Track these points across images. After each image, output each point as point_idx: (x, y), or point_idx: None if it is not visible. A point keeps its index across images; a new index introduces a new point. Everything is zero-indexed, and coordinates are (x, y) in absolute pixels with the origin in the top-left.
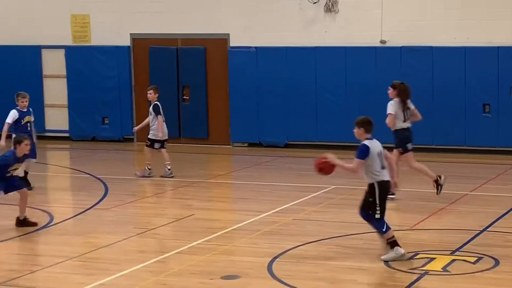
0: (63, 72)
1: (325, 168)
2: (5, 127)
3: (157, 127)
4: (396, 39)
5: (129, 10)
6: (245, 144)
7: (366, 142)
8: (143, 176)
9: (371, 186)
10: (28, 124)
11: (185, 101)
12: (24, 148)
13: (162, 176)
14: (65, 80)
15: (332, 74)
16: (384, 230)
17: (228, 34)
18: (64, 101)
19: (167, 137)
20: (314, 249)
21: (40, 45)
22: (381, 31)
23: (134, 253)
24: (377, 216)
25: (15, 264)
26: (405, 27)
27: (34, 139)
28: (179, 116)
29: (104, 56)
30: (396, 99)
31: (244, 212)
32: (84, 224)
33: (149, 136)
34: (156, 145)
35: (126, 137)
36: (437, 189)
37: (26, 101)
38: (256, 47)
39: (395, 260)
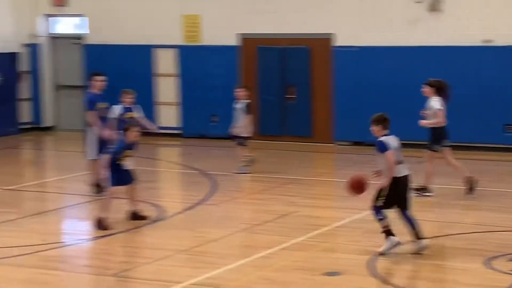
0: (175, 71)
1: (358, 189)
2: (110, 123)
3: (246, 124)
4: (502, 39)
5: (238, 10)
6: (348, 143)
7: (382, 138)
8: (243, 173)
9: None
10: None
11: (290, 100)
12: (131, 134)
13: (237, 172)
14: (176, 78)
15: (436, 74)
16: (379, 218)
17: (333, 34)
18: (176, 99)
19: (251, 135)
20: None
21: (152, 44)
22: (486, 30)
23: (240, 248)
24: (379, 204)
25: (127, 256)
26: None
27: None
28: (284, 115)
29: (214, 55)
30: (437, 97)
31: (346, 210)
32: (193, 219)
33: (238, 134)
34: (245, 142)
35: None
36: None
37: (130, 98)
38: (359, 47)
39: (391, 251)
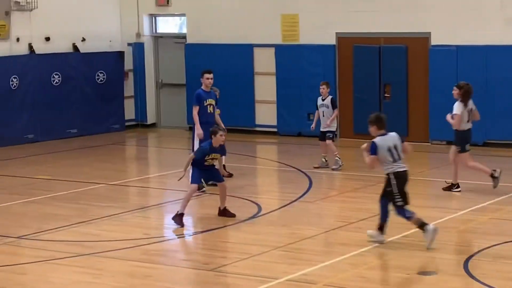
0: (273, 69)
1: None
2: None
3: (333, 119)
4: None
5: (336, 10)
6: (444, 142)
7: (376, 139)
8: (318, 167)
9: (387, 177)
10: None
11: (386, 99)
12: (218, 139)
13: (333, 169)
14: (274, 77)
15: None
16: (407, 216)
17: (430, 33)
18: (273, 97)
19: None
20: (511, 249)
21: (252, 43)
22: None
23: (335, 245)
24: (399, 203)
25: (225, 252)
26: None
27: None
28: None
29: (311, 54)
30: (461, 101)
31: (442, 209)
32: (289, 216)
33: (331, 130)
34: (334, 137)
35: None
36: (494, 182)
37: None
38: (456, 46)
39: (434, 238)
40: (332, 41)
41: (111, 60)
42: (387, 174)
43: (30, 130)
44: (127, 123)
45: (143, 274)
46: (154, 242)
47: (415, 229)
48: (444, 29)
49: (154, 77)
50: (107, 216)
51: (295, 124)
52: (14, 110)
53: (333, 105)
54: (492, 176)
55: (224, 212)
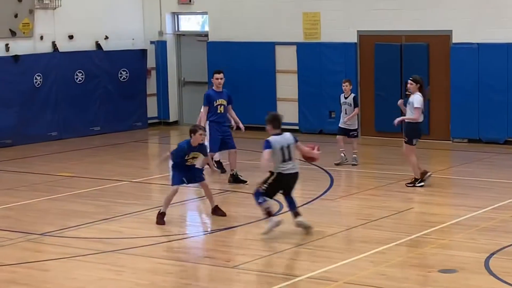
0: (294, 67)
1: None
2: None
3: (353, 116)
4: None
5: (357, 8)
6: (465, 140)
7: (270, 138)
8: (339, 164)
9: (273, 172)
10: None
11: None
12: (197, 138)
13: (353, 164)
14: (296, 75)
15: None
16: (259, 201)
17: (451, 31)
18: (295, 95)
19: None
20: None
21: (274, 41)
22: None
23: (357, 243)
24: (261, 190)
25: (246, 249)
26: None
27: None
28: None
29: (332, 52)
30: (419, 94)
31: (462, 207)
32: (310, 213)
33: (354, 128)
34: (355, 134)
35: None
36: (414, 183)
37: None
38: (478, 43)
39: (272, 230)
40: (353, 39)
41: (134, 58)
42: (275, 172)
43: (54, 128)
44: (149, 121)
45: (165, 271)
46: (176, 240)
47: (436, 228)
48: (465, 26)
49: (176, 75)
50: (129, 214)
51: (316, 121)
52: (38, 108)
53: (355, 103)
54: (415, 180)
55: (215, 211)
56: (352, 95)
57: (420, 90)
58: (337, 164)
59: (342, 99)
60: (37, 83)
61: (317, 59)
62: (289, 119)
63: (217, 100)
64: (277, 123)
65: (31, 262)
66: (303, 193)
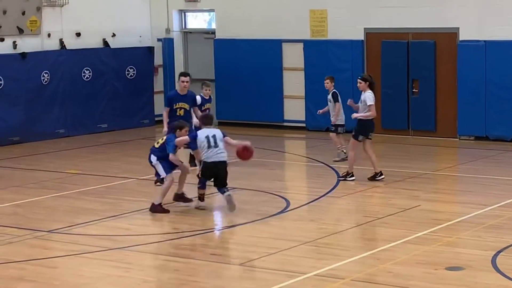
0: (301, 65)
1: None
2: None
3: (336, 113)
4: None
5: (364, 5)
6: (472, 138)
7: (199, 131)
8: (341, 160)
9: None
10: (207, 111)
11: (414, 94)
12: (183, 134)
13: (335, 160)
14: (302, 72)
15: None
16: (198, 186)
17: (458, 28)
18: (302, 92)
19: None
20: None
21: (281, 39)
22: None
23: (363, 240)
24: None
25: (254, 246)
26: None
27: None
28: (408, 109)
29: (339, 50)
30: (371, 91)
31: (469, 204)
32: (317, 211)
33: (332, 123)
34: (340, 129)
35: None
36: (345, 176)
37: (209, 90)
38: (485, 41)
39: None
40: (360, 36)
41: (141, 56)
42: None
43: (61, 125)
44: (156, 118)
45: (173, 268)
46: (184, 237)
47: (442, 225)
48: (472, 24)
49: None
50: (137, 211)
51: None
52: (45, 105)
53: (334, 99)
54: (348, 174)
55: (181, 197)
56: (332, 91)
57: (370, 87)
58: (336, 161)
59: (328, 96)
60: (44, 81)
61: (324, 56)
62: (296, 117)
63: (178, 103)
64: (206, 120)
65: (39, 259)
66: (310, 190)
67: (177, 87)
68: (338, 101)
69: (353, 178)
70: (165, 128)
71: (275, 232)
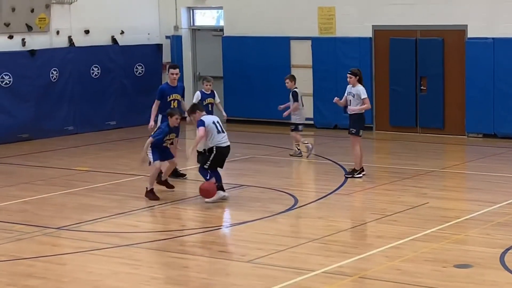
0: (309, 62)
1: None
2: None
3: (293, 111)
4: None
5: (372, 2)
6: (480, 135)
7: (202, 117)
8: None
9: (210, 148)
10: (209, 105)
11: (422, 92)
12: (174, 121)
13: (291, 155)
14: (310, 70)
15: None
16: (207, 178)
17: (466, 26)
18: (310, 90)
19: (304, 121)
20: None
21: (289, 36)
22: None
23: (371, 237)
24: (206, 166)
25: (262, 243)
26: None
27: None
28: (416, 106)
29: (347, 47)
30: (361, 85)
31: (478, 202)
32: (325, 208)
33: (297, 122)
34: (300, 127)
35: (365, 125)
36: (351, 174)
37: (210, 85)
38: (493, 38)
39: (216, 202)
40: (368, 33)
41: (150, 53)
42: (211, 147)
43: (70, 122)
44: None
45: (181, 265)
46: (192, 234)
47: (450, 223)
48: (480, 21)
49: (191, 70)
50: (145, 208)
51: (331, 116)
52: (54, 102)
53: (294, 98)
54: (355, 170)
55: (163, 183)
56: (293, 90)
57: (360, 82)
58: (291, 155)
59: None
60: (53, 78)
61: (332, 54)
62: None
63: (171, 95)
64: (201, 108)
65: (48, 256)
66: (318, 187)
67: (167, 79)
68: (297, 101)
69: (364, 173)
70: (152, 122)
71: (283, 229)
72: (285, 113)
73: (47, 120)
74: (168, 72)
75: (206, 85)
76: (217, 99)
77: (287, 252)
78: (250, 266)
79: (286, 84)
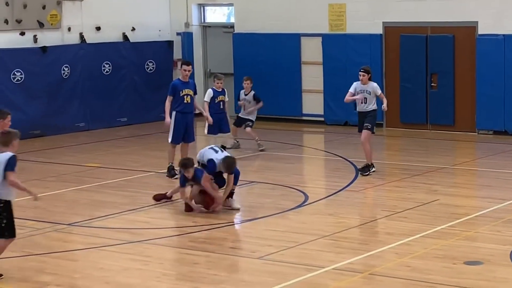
0: (320, 59)
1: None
2: (205, 105)
3: (253, 110)
4: None
5: None
6: (490, 132)
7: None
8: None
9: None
10: (221, 103)
11: (433, 88)
12: (190, 172)
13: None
14: (321, 66)
15: None
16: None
17: (477, 22)
18: (320, 86)
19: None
20: None
21: (299, 33)
22: None
23: (382, 234)
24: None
25: (272, 240)
26: None
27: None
28: (427, 103)
29: (358, 44)
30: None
31: (488, 199)
32: (336, 205)
33: (251, 118)
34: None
35: (376, 122)
36: (363, 171)
37: (221, 83)
38: (504, 35)
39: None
40: (379, 30)
41: (161, 50)
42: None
43: (81, 119)
44: None
45: (191, 262)
46: (203, 230)
47: (461, 220)
48: (491, 18)
49: (202, 66)
50: (156, 204)
51: (341, 113)
52: (65, 99)
53: (257, 99)
54: (366, 166)
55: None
56: (252, 92)
57: (370, 79)
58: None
59: (242, 96)
60: (64, 74)
61: (342, 50)
62: (315, 111)
63: (183, 90)
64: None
65: (59, 252)
66: (328, 184)
67: (178, 76)
68: (261, 101)
69: (374, 169)
70: (167, 118)
71: (294, 226)
72: (249, 110)
73: (59, 117)
74: (181, 68)
75: (217, 83)
76: (226, 97)
77: (298, 249)
78: (260, 263)
79: (246, 85)
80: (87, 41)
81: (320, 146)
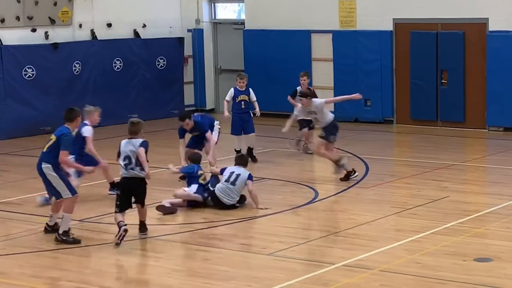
0: (330, 55)
1: None
2: (225, 104)
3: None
4: None
5: None
6: (501, 129)
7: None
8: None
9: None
10: (242, 102)
11: (443, 85)
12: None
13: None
14: (331, 63)
15: None
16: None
17: (487, 19)
18: (331, 83)
19: None
20: None
21: (310, 29)
22: None
23: (392, 231)
24: None
25: (282, 236)
26: None
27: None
28: (437, 100)
29: (368, 41)
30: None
31: (498, 196)
32: (346, 201)
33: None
34: None
35: (386, 118)
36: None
37: (242, 82)
38: None
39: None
40: (389, 27)
41: (171, 46)
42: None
43: None
44: (186, 108)
45: (202, 258)
46: (213, 227)
47: (471, 216)
48: (501, 14)
49: (213, 63)
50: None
51: (352, 110)
52: (76, 95)
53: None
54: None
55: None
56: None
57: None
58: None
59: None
60: (76, 71)
61: (353, 47)
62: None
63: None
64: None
65: (70, 248)
66: (338, 181)
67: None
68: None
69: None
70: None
71: (304, 223)
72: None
73: None
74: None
75: (240, 82)
76: (253, 97)
77: (308, 245)
78: (271, 259)
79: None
80: (98, 38)
81: None
